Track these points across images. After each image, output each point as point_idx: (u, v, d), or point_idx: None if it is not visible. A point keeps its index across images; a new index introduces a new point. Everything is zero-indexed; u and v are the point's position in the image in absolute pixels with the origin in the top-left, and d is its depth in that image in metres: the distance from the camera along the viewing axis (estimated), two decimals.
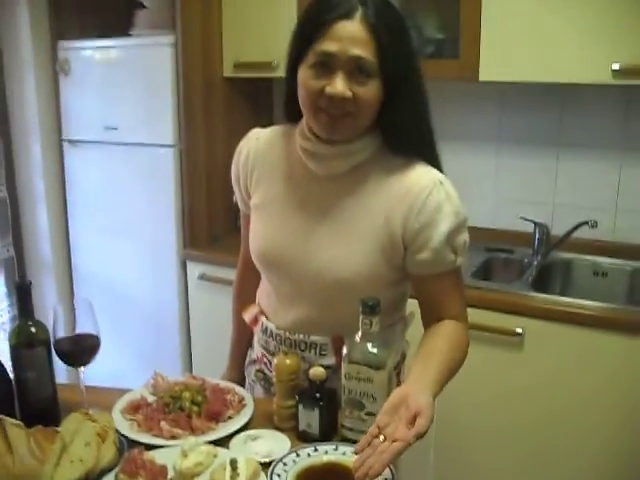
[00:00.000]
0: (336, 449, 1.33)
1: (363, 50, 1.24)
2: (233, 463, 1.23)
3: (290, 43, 1.37)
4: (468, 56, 2.36)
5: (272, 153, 1.49)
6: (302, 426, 1.39)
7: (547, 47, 2.27)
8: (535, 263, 2.61)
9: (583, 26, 2.21)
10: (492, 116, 2.80)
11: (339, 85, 1.25)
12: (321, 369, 1.39)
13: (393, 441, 1.13)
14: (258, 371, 1.65)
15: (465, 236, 1.39)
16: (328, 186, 1.40)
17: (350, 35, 1.24)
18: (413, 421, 1.15)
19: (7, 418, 1.29)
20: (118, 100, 2.90)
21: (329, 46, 1.25)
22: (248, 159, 1.51)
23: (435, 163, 1.40)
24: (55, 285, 3.27)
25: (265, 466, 1.27)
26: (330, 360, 1.47)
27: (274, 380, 1.45)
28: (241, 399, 1.51)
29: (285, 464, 1.28)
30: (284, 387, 1.42)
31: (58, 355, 1.45)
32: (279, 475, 1.25)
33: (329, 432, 1.39)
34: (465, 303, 1.48)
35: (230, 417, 1.45)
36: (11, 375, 1.43)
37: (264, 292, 1.59)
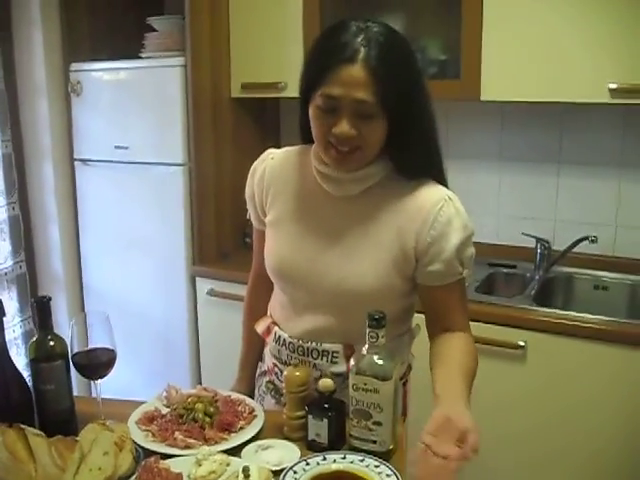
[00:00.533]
0: (344, 458, 1.37)
1: (364, 93, 1.29)
2: (246, 470, 1.27)
3: (302, 74, 1.43)
4: (469, 76, 2.42)
5: (287, 172, 1.55)
6: (311, 436, 1.43)
7: (546, 67, 2.33)
8: (537, 277, 2.65)
9: (581, 47, 2.27)
10: (494, 134, 2.85)
11: (344, 126, 1.32)
12: (330, 381, 1.43)
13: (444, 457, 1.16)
14: (269, 382, 1.69)
15: (472, 249, 1.46)
16: (342, 205, 1.47)
17: (352, 79, 1.29)
18: (461, 439, 1.18)
19: (29, 428, 1.34)
20: (129, 120, 2.96)
21: (333, 90, 1.31)
22: (263, 178, 1.57)
23: (442, 181, 1.47)
24: (66, 301, 3.31)
25: (276, 474, 1.31)
26: (341, 367, 1.51)
27: (284, 391, 1.49)
28: (252, 410, 1.55)
29: (295, 472, 1.32)
30: (294, 398, 1.46)
31: (76, 368, 1.49)
32: None
33: (337, 441, 1.43)
34: (468, 314, 1.55)
35: (242, 428, 1.49)
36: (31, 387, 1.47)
37: (277, 303, 1.64)
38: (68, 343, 1.48)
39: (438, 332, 1.51)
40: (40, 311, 1.45)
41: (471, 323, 2.26)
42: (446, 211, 1.40)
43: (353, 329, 1.45)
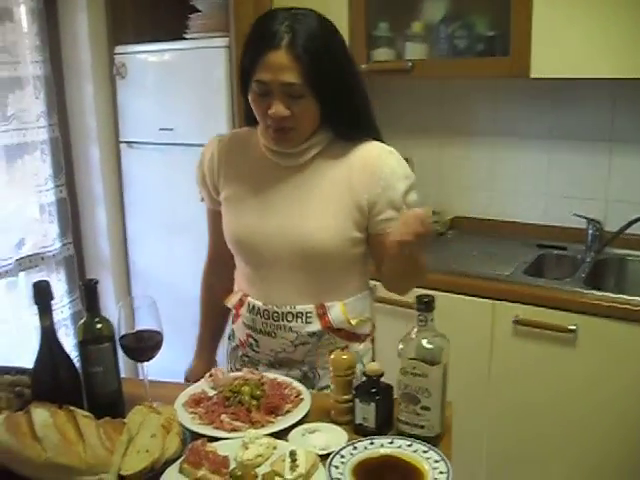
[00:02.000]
0: (392, 442, 1.36)
1: (290, 75, 1.43)
2: (292, 455, 1.26)
3: (239, 63, 1.54)
4: (519, 53, 2.35)
5: (236, 151, 1.68)
6: (358, 420, 1.42)
7: (598, 42, 2.25)
8: (588, 260, 2.59)
9: (634, 20, 2.19)
10: (543, 112, 2.78)
11: (277, 107, 1.46)
12: (377, 364, 1.42)
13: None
14: (243, 355, 1.77)
15: (415, 196, 1.60)
16: (294, 174, 1.60)
17: (277, 64, 1.42)
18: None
19: (78, 409, 1.35)
20: (173, 102, 2.96)
21: (263, 76, 1.44)
22: (213, 160, 1.69)
23: (380, 139, 1.63)
24: (112, 283, 3.35)
25: (323, 458, 1.30)
26: (316, 326, 1.62)
27: (331, 375, 1.48)
28: (298, 393, 1.55)
29: (342, 456, 1.31)
30: (341, 382, 1.45)
31: (124, 350, 1.50)
32: (337, 467, 1.28)
33: (385, 426, 1.42)
34: None
35: (288, 411, 1.48)
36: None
37: (243, 277, 1.72)
38: (115, 326, 1.49)
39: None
40: (88, 294, 1.46)
41: (520, 305, 2.26)
42: (389, 163, 1.57)
43: (322, 288, 1.61)
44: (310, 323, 1.62)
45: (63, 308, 3.23)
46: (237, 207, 1.65)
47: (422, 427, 1.38)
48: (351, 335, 1.68)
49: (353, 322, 1.65)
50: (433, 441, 1.37)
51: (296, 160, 1.58)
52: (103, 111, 3.17)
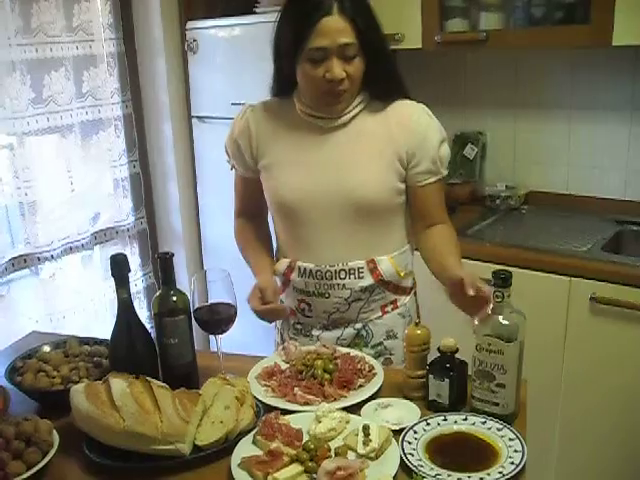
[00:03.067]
0: (465, 419, 1.35)
1: (347, 37, 1.52)
2: (366, 429, 1.27)
3: (279, 35, 1.63)
4: (601, 20, 2.24)
5: (272, 120, 1.73)
6: (432, 396, 1.41)
7: None
8: None
9: None
10: (624, 83, 2.66)
11: (336, 70, 1.54)
12: (452, 340, 1.40)
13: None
14: (295, 324, 1.80)
15: (448, 149, 1.72)
16: (336, 134, 1.67)
17: (334, 28, 1.51)
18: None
19: (154, 380, 1.38)
20: (244, 76, 2.95)
21: (320, 41, 1.52)
22: (248, 129, 1.74)
23: (409, 97, 1.73)
24: (185, 256, 3.40)
25: (396, 433, 1.30)
26: (368, 281, 1.69)
27: (404, 350, 1.47)
28: (371, 368, 1.55)
29: (416, 432, 1.31)
30: (415, 357, 1.44)
31: (198, 323, 1.52)
32: (410, 442, 1.28)
33: (458, 402, 1.40)
34: (446, 209, 1.77)
35: (361, 385, 1.49)
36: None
37: (290, 243, 1.75)
38: (189, 299, 1.50)
39: (423, 229, 1.73)
40: (163, 267, 1.49)
41: (597, 283, 2.18)
42: (423, 117, 1.68)
43: (370, 242, 1.68)
44: (362, 278, 1.68)
45: (137, 281, 3.31)
46: (282, 172, 1.70)
47: (496, 405, 1.36)
48: (398, 288, 1.76)
49: (402, 273, 1.73)
50: (507, 419, 1.35)
51: (340, 121, 1.66)
52: (175, 86, 3.20)
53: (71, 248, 2.91)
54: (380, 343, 1.75)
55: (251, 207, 1.86)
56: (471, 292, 1.37)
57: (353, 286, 1.68)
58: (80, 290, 3.03)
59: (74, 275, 3.01)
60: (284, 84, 1.71)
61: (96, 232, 3.06)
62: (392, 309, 1.76)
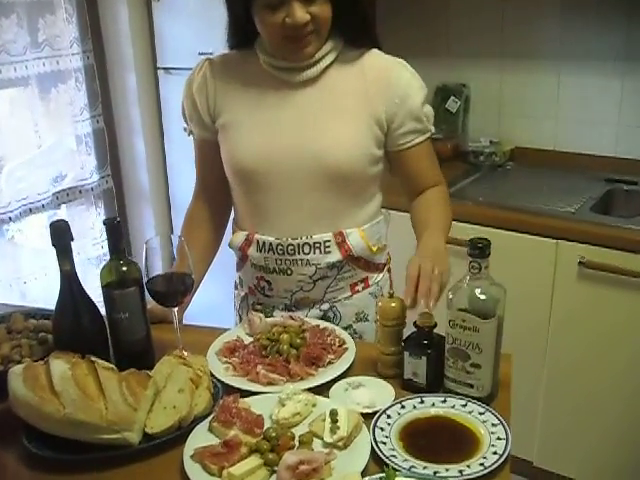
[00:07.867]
0: (444, 401, 1.25)
1: None
2: (333, 415, 1.17)
3: None
4: None
5: (231, 74, 1.57)
6: (407, 375, 1.31)
7: None
8: None
9: None
10: (617, 29, 2.54)
11: (298, 12, 1.37)
12: (430, 314, 1.29)
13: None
14: (255, 303, 1.65)
15: (431, 109, 1.58)
16: (305, 90, 1.51)
17: None
18: None
19: (99, 360, 1.26)
20: (212, 23, 2.80)
21: None
22: (206, 83, 1.58)
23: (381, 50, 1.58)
24: (153, 216, 3.33)
25: (367, 417, 1.20)
26: (335, 256, 1.54)
27: (378, 324, 1.36)
28: (342, 342, 1.44)
29: (389, 416, 1.21)
30: (388, 332, 1.33)
31: (151, 295, 1.40)
32: (382, 429, 1.18)
33: (437, 383, 1.30)
34: (439, 167, 1.64)
35: (330, 362, 1.38)
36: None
37: (249, 213, 1.60)
38: (142, 268, 1.37)
39: (415, 197, 1.61)
40: (111, 234, 1.35)
41: (586, 246, 2.08)
42: (404, 73, 1.52)
43: (339, 213, 1.53)
44: (329, 253, 1.54)
45: (103, 243, 3.18)
46: (240, 131, 1.53)
47: (471, 386, 1.26)
48: (370, 265, 1.62)
49: (374, 248, 1.59)
50: (483, 402, 1.24)
51: (309, 74, 1.49)
52: (139, 36, 3.11)
53: (31, 209, 2.79)
54: (349, 326, 1.60)
55: (212, 182, 1.67)
56: (409, 286, 1.28)
57: (318, 262, 1.53)
58: (43, 254, 2.91)
59: (36, 238, 2.90)
60: (242, 34, 1.54)
61: (58, 192, 2.94)
62: (363, 288, 1.62)
